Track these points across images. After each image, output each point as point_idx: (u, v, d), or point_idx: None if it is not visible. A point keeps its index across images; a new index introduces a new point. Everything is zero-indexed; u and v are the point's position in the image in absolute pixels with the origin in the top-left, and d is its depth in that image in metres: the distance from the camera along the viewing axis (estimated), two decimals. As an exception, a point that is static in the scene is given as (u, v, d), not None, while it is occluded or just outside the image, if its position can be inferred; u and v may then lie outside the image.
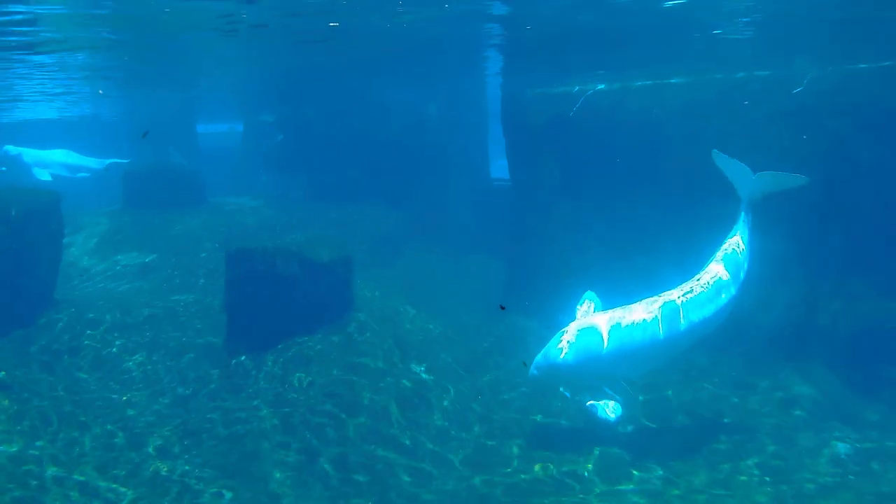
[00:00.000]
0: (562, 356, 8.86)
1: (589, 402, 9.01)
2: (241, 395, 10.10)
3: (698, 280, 9.33)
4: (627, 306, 9.18)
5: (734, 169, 9.75)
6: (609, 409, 8.87)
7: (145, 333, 11.70)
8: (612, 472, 9.00)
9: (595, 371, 8.96)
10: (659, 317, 8.94)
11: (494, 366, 11.57)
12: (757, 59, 13.84)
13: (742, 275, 9.45)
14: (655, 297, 9.17)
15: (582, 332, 8.99)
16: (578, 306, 9.56)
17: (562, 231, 13.54)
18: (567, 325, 9.21)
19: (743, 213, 9.80)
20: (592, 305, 9.53)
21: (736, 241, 9.67)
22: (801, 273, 11.39)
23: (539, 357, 9.16)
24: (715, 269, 9.44)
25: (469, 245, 16.97)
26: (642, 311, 9.01)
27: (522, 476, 8.97)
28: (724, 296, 9.24)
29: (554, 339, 9.08)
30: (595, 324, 9.02)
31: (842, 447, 9.47)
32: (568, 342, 8.92)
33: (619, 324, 8.92)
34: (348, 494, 8.60)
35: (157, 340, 11.58)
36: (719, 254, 9.61)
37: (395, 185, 18.60)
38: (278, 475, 8.82)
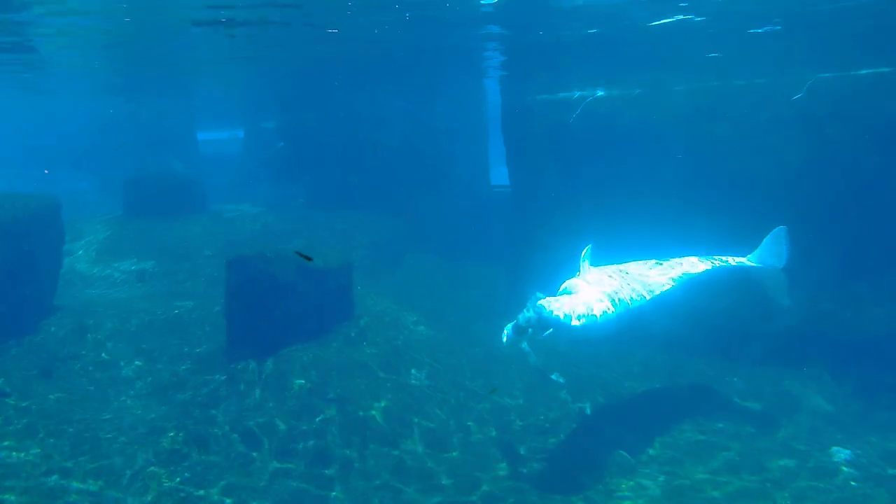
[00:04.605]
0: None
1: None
2: (241, 402, 10.08)
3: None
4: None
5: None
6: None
7: (145, 340, 11.69)
8: (612, 478, 9.00)
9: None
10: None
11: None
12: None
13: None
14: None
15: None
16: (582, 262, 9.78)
17: (561, 238, 13.51)
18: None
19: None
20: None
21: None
22: (802, 279, 11.38)
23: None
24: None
25: (469, 252, 16.96)
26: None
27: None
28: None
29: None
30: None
31: (844, 453, 9.45)
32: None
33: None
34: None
35: (157, 347, 11.56)
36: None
37: (395, 192, 18.60)
38: (278, 481, 8.81)
